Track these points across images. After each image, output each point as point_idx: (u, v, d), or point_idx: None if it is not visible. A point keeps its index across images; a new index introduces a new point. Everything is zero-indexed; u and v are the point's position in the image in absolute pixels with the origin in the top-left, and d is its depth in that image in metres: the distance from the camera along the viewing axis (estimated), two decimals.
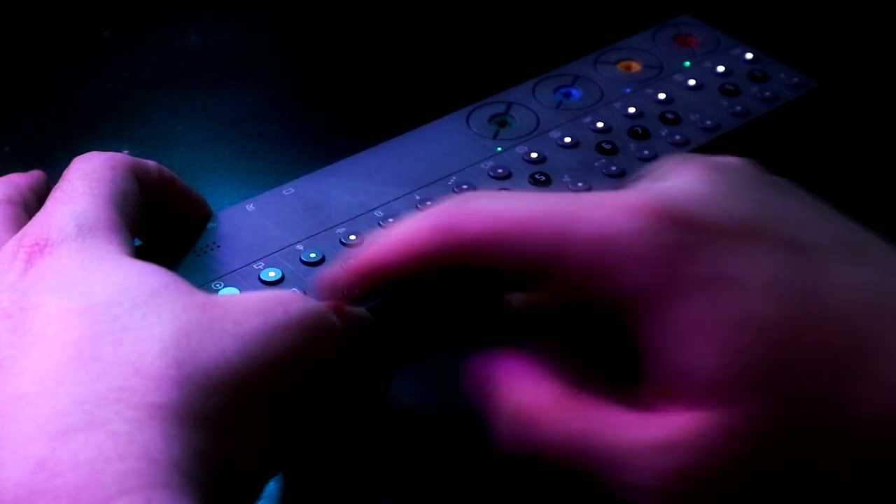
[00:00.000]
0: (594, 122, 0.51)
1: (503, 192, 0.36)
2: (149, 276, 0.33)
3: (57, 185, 0.38)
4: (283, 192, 0.47)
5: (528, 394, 0.35)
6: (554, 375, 0.35)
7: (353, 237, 0.44)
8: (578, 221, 0.33)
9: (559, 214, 0.34)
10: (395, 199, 0.46)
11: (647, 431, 0.33)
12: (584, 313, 0.36)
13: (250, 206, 0.46)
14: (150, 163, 0.41)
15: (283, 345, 0.32)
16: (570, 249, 0.33)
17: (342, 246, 0.44)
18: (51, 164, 0.39)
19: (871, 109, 0.55)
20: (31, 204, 0.39)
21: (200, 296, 0.33)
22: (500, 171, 0.48)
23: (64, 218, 0.35)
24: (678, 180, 0.35)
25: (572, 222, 0.33)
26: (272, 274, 0.43)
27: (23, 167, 0.42)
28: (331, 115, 0.55)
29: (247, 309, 0.33)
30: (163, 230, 0.43)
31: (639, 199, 0.34)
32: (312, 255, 0.44)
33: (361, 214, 0.46)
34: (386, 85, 0.56)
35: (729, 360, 0.32)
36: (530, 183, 0.47)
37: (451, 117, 0.51)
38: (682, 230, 0.33)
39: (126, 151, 0.51)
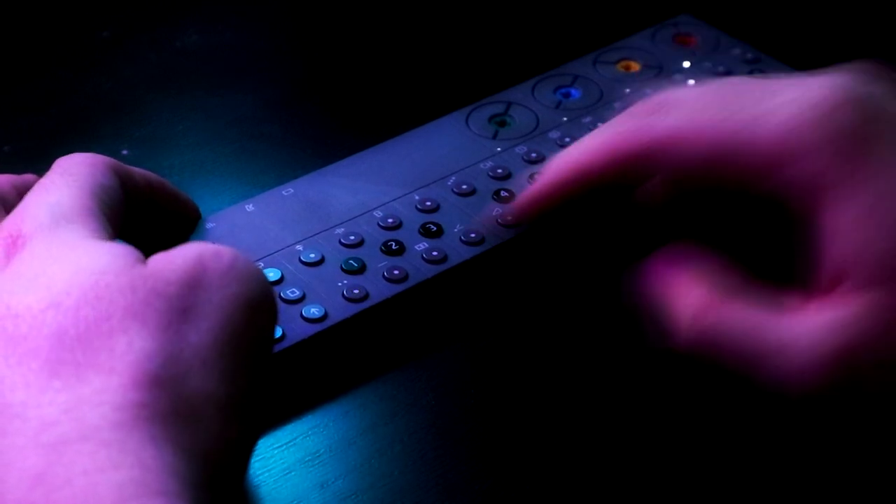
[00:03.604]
0: (594, 122, 0.51)
1: (693, 88, 0.39)
2: (97, 257, 0.33)
3: (37, 182, 0.38)
4: (283, 192, 0.47)
5: (704, 285, 0.38)
6: (726, 265, 0.38)
7: (352, 237, 0.44)
8: (761, 116, 0.37)
9: (743, 112, 0.37)
10: (395, 199, 0.46)
11: (818, 314, 0.35)
12: (741, 212, 0.40)
13: (250, 207, 0.46)
14: (135, 168, 0.41)
15: (227, 302, 0.33)
16: (752, 144, 0.37)
17: (342, 246, 0.44)
18: (50, 164, 0.39)
19: None
20: (11, 200, 0.39)
21: (139, 269, 0.32)
22: (499, 171, 0.48)
23: (38, 208, 0.35)
24: (852, 75, 0.38)
25: (755, 119, 0.37)
26: (272, 274, 0.43)
27: (23, 167, 0.42)
28: (330, 115, 0.55)
29: (181, 280, 0.32)
30: (153, 233, 0.43)
31: (821, 90, 0.37)
32: (312, 255, 0.44)
33: (361, 214, 0.46)
34: (386, 85, 0.56)
35: None
36: (529, 183, 0.47)
37: (450, 117, 0.51)
38: (868, 122, 0.36)
39: (126, 152, 0.51)
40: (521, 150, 0.49)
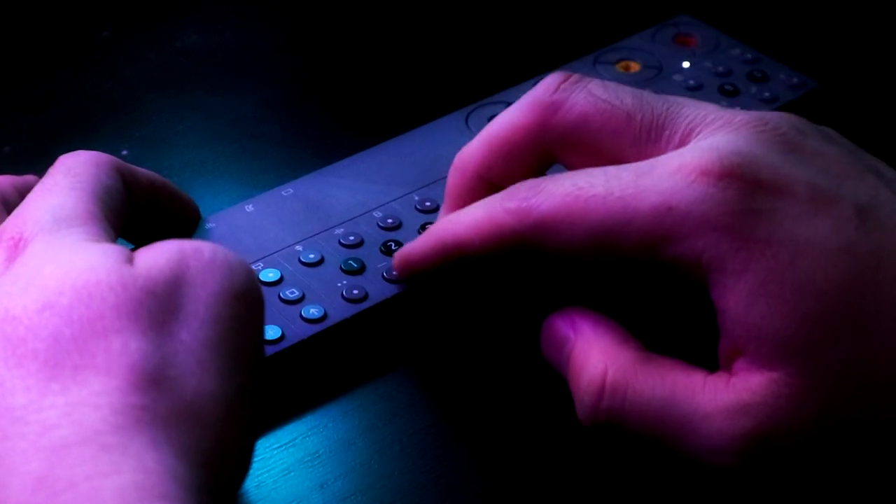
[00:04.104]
0: None
1: (570, 172, 0.38)
2: (87, 256, 0.33)
3: (40, 181, 0.38)
4: (283, 192, 0.47)
5: (608, 360, 0.37)
6: (628, 337, 0.37)
7: (352, 237, 0.44)
8: (641, 193, 0.35)
9: (620, 188, 0.36)
10: (395, 200, 0.46)
11: (723, 394, 0.35)
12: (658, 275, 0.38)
13: (249, 207, 0.46)
14: (139, 168, 0.41)
15: (213, 298, 0.32)
16: (634, 221, 0.35)
17: (341, 247, 0.44)
18: (50, 165, 0.39)
19: (871, 110, 0.55)
20: (13, 201, 0.39)
21: (128, 268, 0.32)
22: None
23: (40, 210, 0.35)
24: (732, 138, 0.36)
25: (635, 195, 0.36)
26: (271, 274, 0.43)
27: (23, 167, 0.42)
28: (330, 115, 0.55)
29: (168, 279, 0.32)
30: (154, 233, 0.43)
31: (700, 162, 0.35)
32: (311, 255, 0.44)
33: (361, 215, 0.46)
34: (386, 85, 0.56)
35: (799, 321, 0.34)
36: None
37: (450, 117, 0.51)
38: (751, 194, 0.35)
39: (126, 152, 0.51)
40: None
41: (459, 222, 0.40)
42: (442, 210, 0.43)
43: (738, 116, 0.37)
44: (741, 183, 0.35)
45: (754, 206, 0.35)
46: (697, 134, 0.37)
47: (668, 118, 0.38)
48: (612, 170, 0.37)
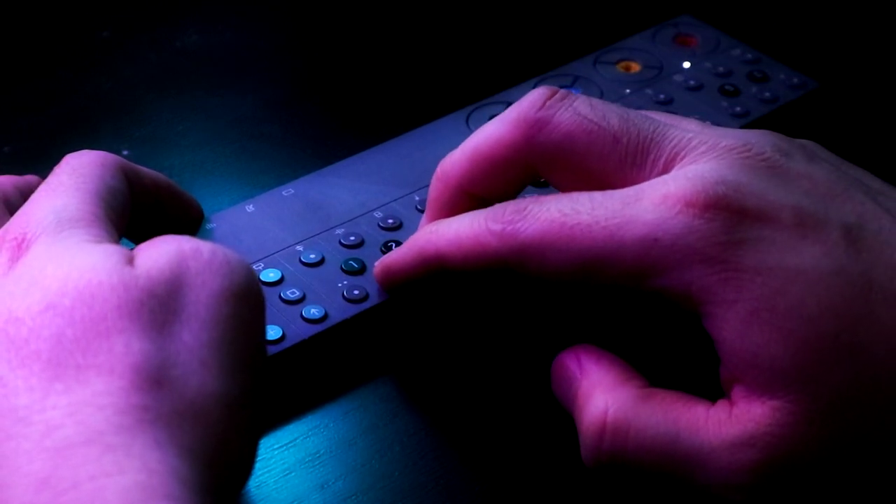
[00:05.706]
0: None
1: (556, 196, 0.38)
2: (88, 257, 0.33)
3: (45, 181, 0.38)
4: (283, 192, 0.47)
5: (608, 400, 0.36)
6: (630, 374, 0.37)
7: (352, 238, 0.44)
8: (627, 223, 0.35)
9: (606, 218, 0.36)
10: (395, 200, 0.46)
11: (727, 427, 0.34)
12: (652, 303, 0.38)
13: (250, 207, 0.46)
14: (144, 168, 0.41)
15: (213, 298, 0.33)
16: (620, 251, 0.35)
17: (342, 247, 0.44)
18: (50, 164, 0.39)
19: (871, 110, 0.55)
20: (15, 201, 0.39)
21: (129, 269, 0.32)
22: None
23: (44, 211, 0.35)
24: (716, 166, 0.36)
25: (620, 226, 0.35)
26: (272, 275, 0.43)
27: (23, 167, 0.42)
28: (331, 115, 0.55)
29: (168, 280, 0.32)
30: (157, 233, 0.43)
31: (685, 192, 0.35)
32: (312, 255, 0.44)
33: (361, 215, 0.46)
34: (386, 85, 0.56)
35: (794, 348, 0.34)
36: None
37: (450, 117, 0.51)
38: (737, 224, 0.35)
39: (126, 152, 0.51)
40: None
41: (441, 235, 0.39)
42: (424, 218, 0.43)
43: (723, 141, 0.37)
44: (726, 213, 0.35)
45: (740, 236, 0.34)
46: (682, 159, 0.37)
47: (654, 142, 0.38)
48: (598, 197, 0.36)
